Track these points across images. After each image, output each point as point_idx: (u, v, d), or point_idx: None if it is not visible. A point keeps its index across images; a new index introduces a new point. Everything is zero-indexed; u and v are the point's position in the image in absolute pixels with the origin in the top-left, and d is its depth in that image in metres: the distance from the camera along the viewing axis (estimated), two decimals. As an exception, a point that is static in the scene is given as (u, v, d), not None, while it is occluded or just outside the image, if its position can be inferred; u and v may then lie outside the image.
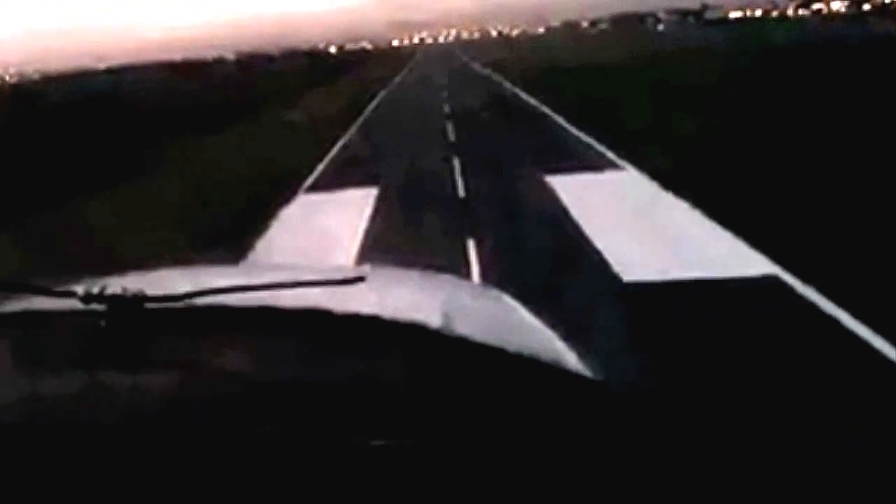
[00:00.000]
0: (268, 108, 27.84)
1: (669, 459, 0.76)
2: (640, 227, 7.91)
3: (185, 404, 0.79)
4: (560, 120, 18.67)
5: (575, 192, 9.93)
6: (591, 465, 0.73)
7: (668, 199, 8.92)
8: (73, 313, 0.95)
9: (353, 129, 21.25)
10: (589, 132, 15.39)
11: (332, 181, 12.81)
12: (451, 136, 17.85)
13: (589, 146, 14.08)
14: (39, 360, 0.93)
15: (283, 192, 11.40)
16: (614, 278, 6.25)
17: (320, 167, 14.60)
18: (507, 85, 33.13)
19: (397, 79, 48.69)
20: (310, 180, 13.11)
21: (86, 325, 0.93)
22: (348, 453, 0.71)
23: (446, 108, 25.08)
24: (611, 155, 12.60)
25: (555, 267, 6.82)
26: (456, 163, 13.52)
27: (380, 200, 10.49)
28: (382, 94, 36.20)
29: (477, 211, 9.64)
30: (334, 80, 45.60)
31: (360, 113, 26.18)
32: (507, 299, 1.54)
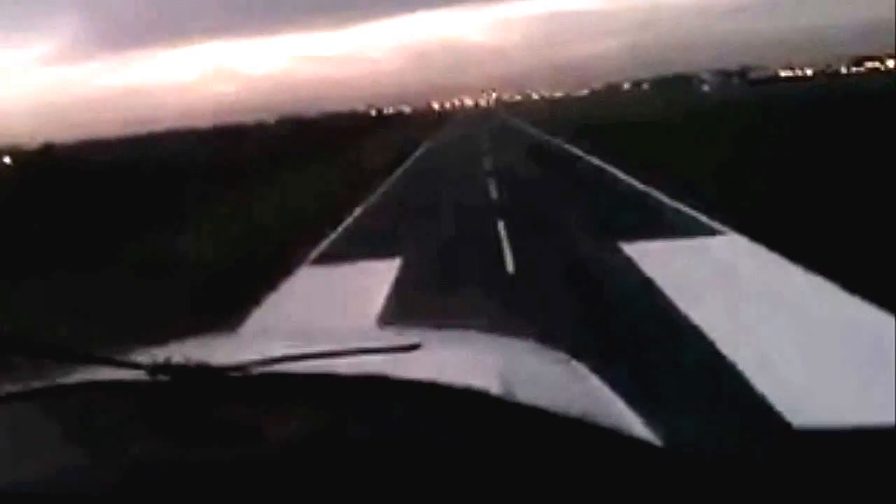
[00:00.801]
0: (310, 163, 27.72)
1: None
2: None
3: (253, 474, 0.79)
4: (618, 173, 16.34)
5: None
6: None
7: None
8: (139, 384, 0.97)
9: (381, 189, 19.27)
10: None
11: (344, 251, 10.48)
12: (494, 194, 15.33)
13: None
14: (107, 431, 0.94)
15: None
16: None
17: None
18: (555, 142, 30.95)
19: (438, 136, 47.36)
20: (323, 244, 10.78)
21: (152, 396, 0.96)
22: None
23: (487, 165, 22.79)
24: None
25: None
26: (501, 226, 10.92)
27: (399, 283, 7.95)
28: (421, 150, 34.45)
29: (531, 299, 7.03)
30: (366, 147, 43.93)
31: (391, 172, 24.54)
32: (571, 362, 1.50)
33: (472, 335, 1.68)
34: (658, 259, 7.83)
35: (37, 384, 1.09)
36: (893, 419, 3.61)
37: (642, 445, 0.99)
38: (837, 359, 4.85)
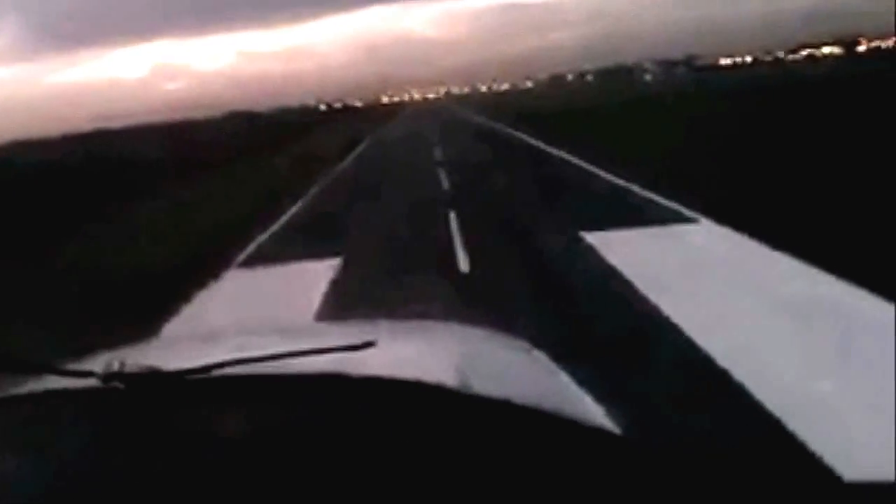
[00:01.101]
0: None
1: None
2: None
3: (211, 478, 0.79)
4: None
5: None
6: None
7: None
8: (91, 392, 0.96)
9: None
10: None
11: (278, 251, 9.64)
12: (445, 184, 14.82)
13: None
14: (60, 441, 0.92)
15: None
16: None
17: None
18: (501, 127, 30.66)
19: (388, 127, 46.73)
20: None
21: (106, 405, 0.95)
22: None
23: (437, 155, 22.32)
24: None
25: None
26: (453, 218, 10.40)
27: (336, 285, 7.20)
28: (368, 140, 33.81)
29: (487, 298, 6.33)
30: (318, 135, 42.99)
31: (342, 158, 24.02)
32: (532, 351, 1.49)
33: (429, 325, 1.68)
34: (624, 249, 7.45)
35: None
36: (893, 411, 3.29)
37: (604, 436, 0.99)
38: (823, 345, 4.54)
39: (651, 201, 10.02)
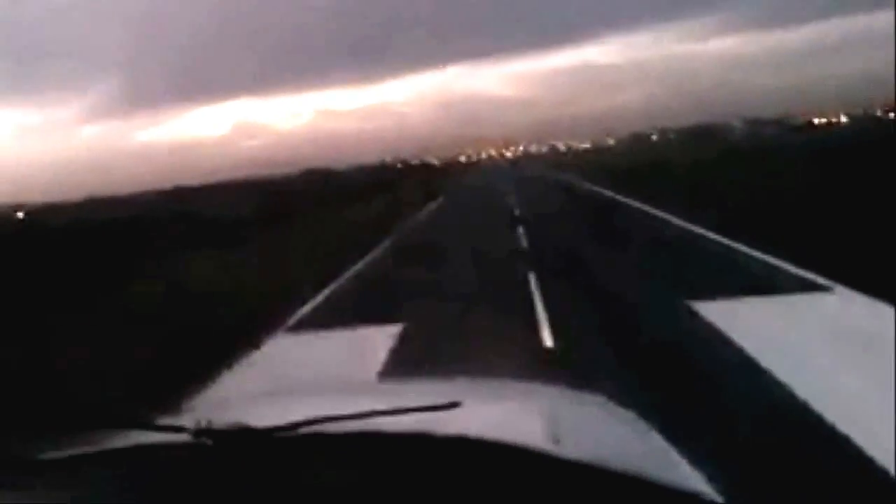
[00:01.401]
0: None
1: None
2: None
3: None
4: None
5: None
6: None
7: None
8: (182, 447, 0.98)
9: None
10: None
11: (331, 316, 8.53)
12: (523, 242, 13.59)
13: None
14: (152, 496, 0.93)
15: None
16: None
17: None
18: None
19: (464, 181, 46.35)
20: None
21: (196, 460, 0.96)
22: None
23: (515, 211, 21.24)
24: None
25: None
26: (532, 281, 9.07)
27: (396, 355, 6.07)
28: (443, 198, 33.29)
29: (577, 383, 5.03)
30: (395, 192, 42.96)
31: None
32: (614, 406, 1.46)
33: (512, 384, 1.72)
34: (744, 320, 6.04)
35: (83, 449, 1.08)
36: None
37: (694, 499, 0.95)
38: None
39: (772, 267, 8.51)
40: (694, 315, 6.59)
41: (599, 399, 1.53)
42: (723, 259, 9.85)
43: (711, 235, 11.74)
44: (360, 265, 13.04)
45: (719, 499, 1.00)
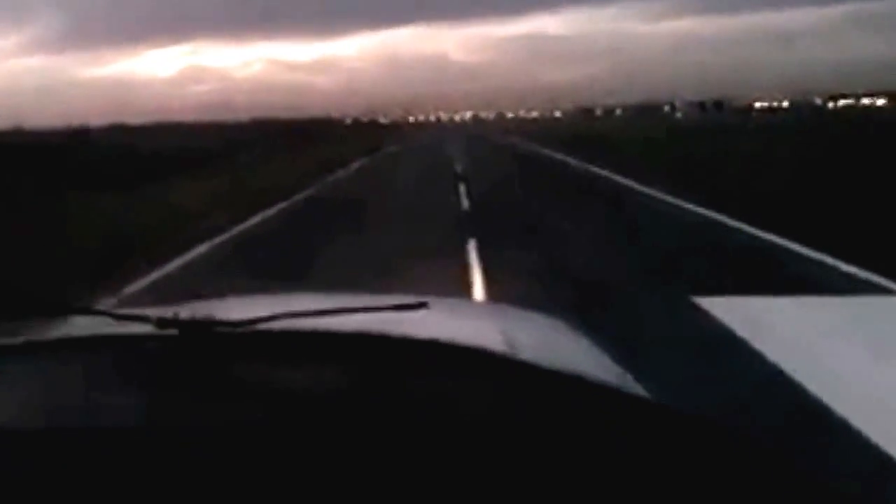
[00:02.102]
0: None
1: (731, 483, 0.75)
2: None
3: (247, 427, 0.81)
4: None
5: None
6: (654, 492, 0.73)
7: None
8: (146, 338, 0.99)
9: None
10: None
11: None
12: (465, 204, 13.12)
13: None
14: (112, 382, 0.94)
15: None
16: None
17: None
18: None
19: (409, 142, 45.66)
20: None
21: (159, 349, 0.98)
22: (409, 475, 0.72)
23: (458, 168, 20.90)
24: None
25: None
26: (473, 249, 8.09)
27: None
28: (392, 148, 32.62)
29: None
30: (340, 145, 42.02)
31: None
32: (569, 328, 1.51)
33: (476, 303, 1.78)
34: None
35: (44, 336, 1.09)
36: None
37: (647, 403, 0.97)
38: None
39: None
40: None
41: (558, 322, 1.55)
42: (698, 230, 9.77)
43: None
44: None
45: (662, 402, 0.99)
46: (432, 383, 0.91)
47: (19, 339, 1.05)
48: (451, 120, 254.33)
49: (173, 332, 0.95)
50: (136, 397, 0.88)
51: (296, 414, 0.83)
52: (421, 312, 1.01)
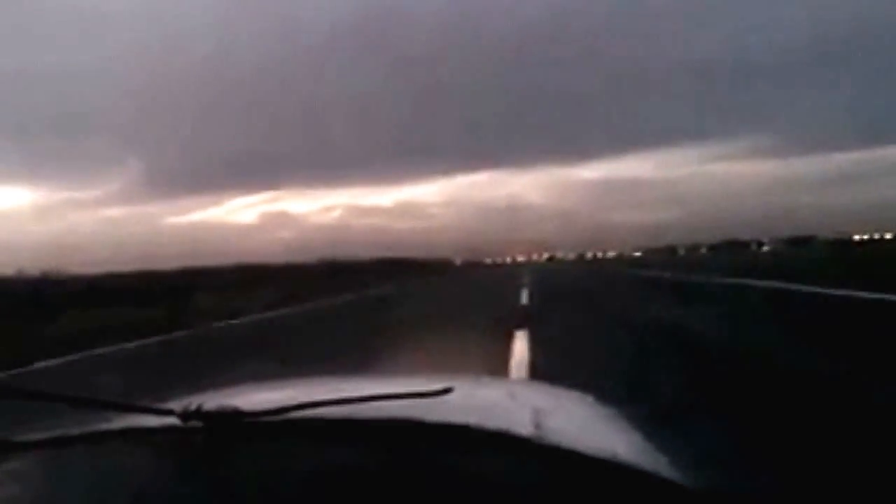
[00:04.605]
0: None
1: None
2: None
3: None
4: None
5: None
6: None
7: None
8: (171, 430, 0.98)
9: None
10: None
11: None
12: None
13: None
14: (139, 477, 0.95)
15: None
16: None
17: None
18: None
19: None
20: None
21: (185, 443, 0.97)
22: None
23: (524, 299, 19.69)
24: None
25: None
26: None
27: None
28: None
29: None
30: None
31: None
32: (600, 405, 1.46)
33: (503, 381, 1.82)
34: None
35: (70, 431, 1.08)
36: None
37: (672, 486, 0.95)
38: None
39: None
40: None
41: (586, 397, 1.50)
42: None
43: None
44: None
45: (698, 485, 0.95)
46: (461, 469, 0.92)
47: (39, 435, 1.05)
48: (529, 259, 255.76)
49: (198, 423, 0.95)
50: (166, 492, 0.88)
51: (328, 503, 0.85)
52: (448, 396, 1.02)
